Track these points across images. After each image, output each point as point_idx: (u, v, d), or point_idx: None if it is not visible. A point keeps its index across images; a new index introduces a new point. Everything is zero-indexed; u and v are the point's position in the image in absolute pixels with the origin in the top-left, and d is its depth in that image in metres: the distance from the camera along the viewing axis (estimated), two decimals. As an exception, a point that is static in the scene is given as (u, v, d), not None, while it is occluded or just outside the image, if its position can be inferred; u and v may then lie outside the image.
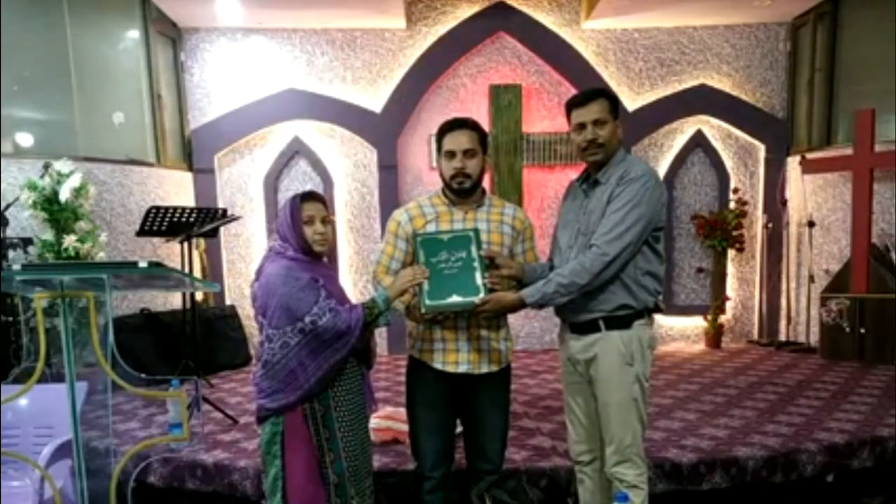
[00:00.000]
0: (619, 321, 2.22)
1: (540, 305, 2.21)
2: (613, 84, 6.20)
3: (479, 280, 2.22)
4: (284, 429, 2.27)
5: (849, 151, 5.34)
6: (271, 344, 2.21)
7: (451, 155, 2.33)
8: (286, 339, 2.19)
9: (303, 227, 2.27)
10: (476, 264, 2.24)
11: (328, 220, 2.35)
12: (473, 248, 2.25)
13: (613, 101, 2.30)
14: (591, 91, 2.32)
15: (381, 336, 6.20)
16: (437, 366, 2.36)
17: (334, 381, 2.26)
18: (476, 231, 2.28)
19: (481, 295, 2.21)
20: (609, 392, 2.24)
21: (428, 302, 2.23)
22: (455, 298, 2.22)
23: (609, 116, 2.25)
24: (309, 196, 2.33)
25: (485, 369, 2.37)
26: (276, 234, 2.34)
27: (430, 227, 2.35)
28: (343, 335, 2.20)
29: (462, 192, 2.36)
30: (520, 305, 2.21)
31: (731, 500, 3.14)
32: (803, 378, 4.75)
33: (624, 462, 2.24)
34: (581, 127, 2.25)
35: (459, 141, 2.33)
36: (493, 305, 2.20)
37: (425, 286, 2.23)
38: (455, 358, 2.35)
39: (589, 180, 2.34)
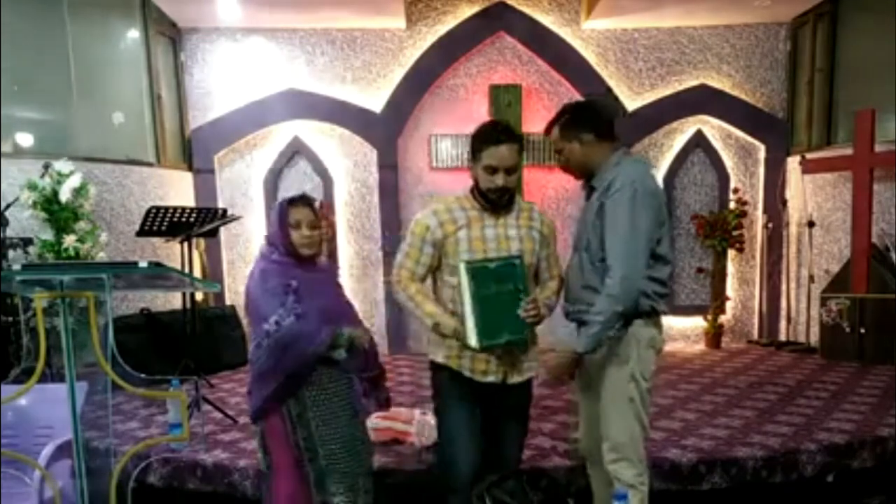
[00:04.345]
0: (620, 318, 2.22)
1: (593, 348, 2.19)
2: (613, 84, 6.21)
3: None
4: (265, 427, 2.35)
5: (849, 151, 5.34)
6: (252, 345, 2.31)
7: (493, 170, 2.23)
8: (259, 339, 2.27)
9: (290, 231, 2.31)
10: (522, 296, 2.22)
11: (320, 223, 2.37)
12: (519, 277, 2.22)
13: (575, 121, 2.33)
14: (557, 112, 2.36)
15: (381, 337, 6.20)
16: (465, 373, 2.31)
17: (311, 382, 2.31)
18: (520, 257, 2.24)
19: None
20: (605, 389, 2.26)
21: (484, 342, 2.17)
22: (506, 337, 2.21)
23: (563, 143, 2.32)
24: (297, 200, 2.37)
25: (512, 380, 2.34)
26: (265, 238, 2.40)
27: (462, 234, 2.26)
28: (303, 340, 2.24)
29: (499, 204, 2.29)
30: (576, 359, 2.20)
31: (731, 500, 3.14)
32: (803, 378, 4.75)
33: (621, 461, 2.25)
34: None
35: (503, 157, 2.22)
36: (553, 372, 2.21)
37: (472, 322, 2.15)
38: (484, 368, 2.30)
39: (585, 188, 2.39)
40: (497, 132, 2.26)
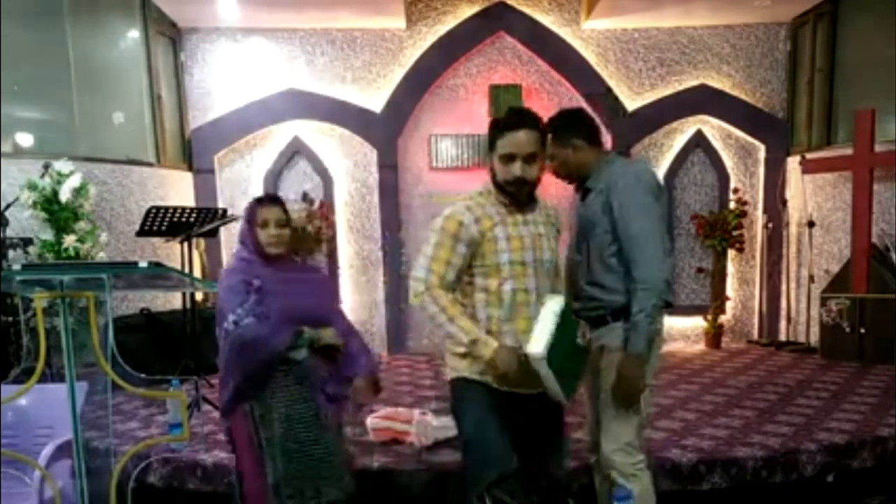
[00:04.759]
0: (625, 312, 2.23)
1: (646, 346, 2.19)
2: (613, 84, 6.21)
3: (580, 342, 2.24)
4: (231, 426, 2.36)
5: (849, 151, 5.34)
6: (220, 341, 2.32)
7: (510, 158, 2.05)
8: (223, 337, 2.28)
9: (257, 231, 2.33)
10: (577, 328, 2.22)
11: (289, 223, 2.39)
12: (568, 313, 2.14)
13: (567, 128, 2.34)
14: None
15: (380, 337, 6.20)
16: (506, 388, 2.12)
17: (276, 384, 2.30)
18: (568, 303, 2.15)
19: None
20: (610, 377, 2.26)
21: (573, 397, 2.17)
22: (579, 373, 2.25)
23: (556, 149, 2.32)
24: (266, 200, 2.41)
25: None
26: (238, 236, 2.44)
27: (498, 231, 2.08)
28: (260, 341, 2.24)
29: (519, 198, 2.12)
30: (638, 361, 2.17)
31: (731, 500, 3.14)
32: (803, 378, 4.74)
33: (618, 451, 2.27)
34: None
35: (521, 143, 2.04)
36: (626, 385, 2.17)
37: (560, 391, 2.06)
38: (527, 381, 2.11)
39: (580, 189, 2.41)
40: (515, 117, 2.10)
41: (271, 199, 2.43)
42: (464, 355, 2.12)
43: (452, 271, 2.07)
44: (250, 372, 2.27)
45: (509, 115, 2.13)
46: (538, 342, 1.98)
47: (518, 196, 2.11)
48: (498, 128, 2.09)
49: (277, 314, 2.28)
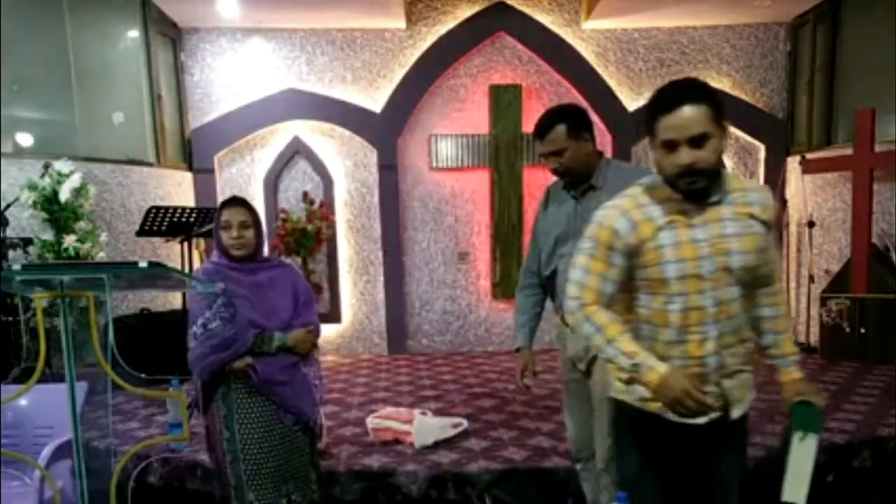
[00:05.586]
0: None
1: None
2: (613, 84, 6.20)
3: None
4: (207, 424, 2.41)
5: (849, 151, 5.34)
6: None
7: (671, 145, 1.62)
8: (192, 338, 2.31)
9: (220, 233, 2.34)
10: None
11: (255, 224, 2.37)
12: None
13: (582, 122, 2.30)
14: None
15: (380, 337, 6.21)
16: (671, 417, 1.70)
17: (237, 384, 2.32)
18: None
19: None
20: (605, 388, 2.22)
21: None
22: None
23: (570, 143, 2.25)
24: (230, 202, 2.39)
25: (734, 414, 1.79)
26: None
27: (664, 237, 1.67)
28: (226, 345, 2.26)
29: (694, 191, 1.66)
30: None
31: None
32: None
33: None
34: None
35: (682, 124, 1.59)
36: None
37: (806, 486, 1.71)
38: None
39: (578, 187, 2.32)
40: (670, 94, 1.64)
41: (234, 201, 2.40)
42: (627, 381, 1.77)
43: (610, 285, 1.72)
44: (214, 372, 2.29)
45: (663, 92, 1.68)
46: (797, 491, 1.68)
47: (693, 189, 1.65)
48: (653, 109, 1.66)
49: (243, 316, 2.29)
